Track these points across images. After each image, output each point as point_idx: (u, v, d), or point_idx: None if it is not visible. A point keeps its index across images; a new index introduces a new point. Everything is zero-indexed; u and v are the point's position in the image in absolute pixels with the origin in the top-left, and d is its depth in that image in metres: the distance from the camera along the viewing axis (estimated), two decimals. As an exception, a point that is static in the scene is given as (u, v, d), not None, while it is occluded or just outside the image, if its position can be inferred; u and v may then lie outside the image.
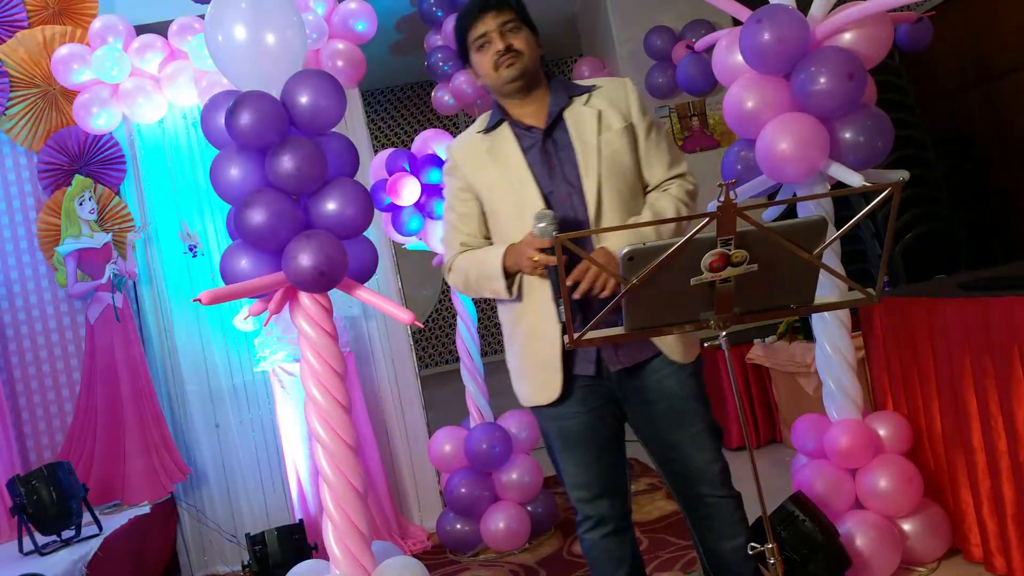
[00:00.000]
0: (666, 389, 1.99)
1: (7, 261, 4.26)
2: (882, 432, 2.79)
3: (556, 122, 1.99)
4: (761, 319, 1.64)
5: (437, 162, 3.57)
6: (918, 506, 2.72)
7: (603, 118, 1.98)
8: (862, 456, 2.75)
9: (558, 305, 1.80)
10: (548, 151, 1.98)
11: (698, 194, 2.05)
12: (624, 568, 2.12)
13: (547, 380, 1.98)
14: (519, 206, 1.96)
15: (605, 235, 1.91)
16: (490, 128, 2.04)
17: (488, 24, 1.94)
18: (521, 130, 2.01)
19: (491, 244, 2.06)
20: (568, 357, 1.97)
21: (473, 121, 2.07)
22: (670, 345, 1.97)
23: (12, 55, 4.12)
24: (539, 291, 1.95)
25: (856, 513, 2.73)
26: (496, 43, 1.94)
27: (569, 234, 1.48)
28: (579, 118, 1.98)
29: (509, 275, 1.94)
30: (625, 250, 1.47)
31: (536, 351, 1.99)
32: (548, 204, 1.93)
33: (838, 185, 2.73)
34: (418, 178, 3.55)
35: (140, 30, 4.13)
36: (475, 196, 2.05)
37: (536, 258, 1.83)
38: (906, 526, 2.72)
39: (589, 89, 2.03)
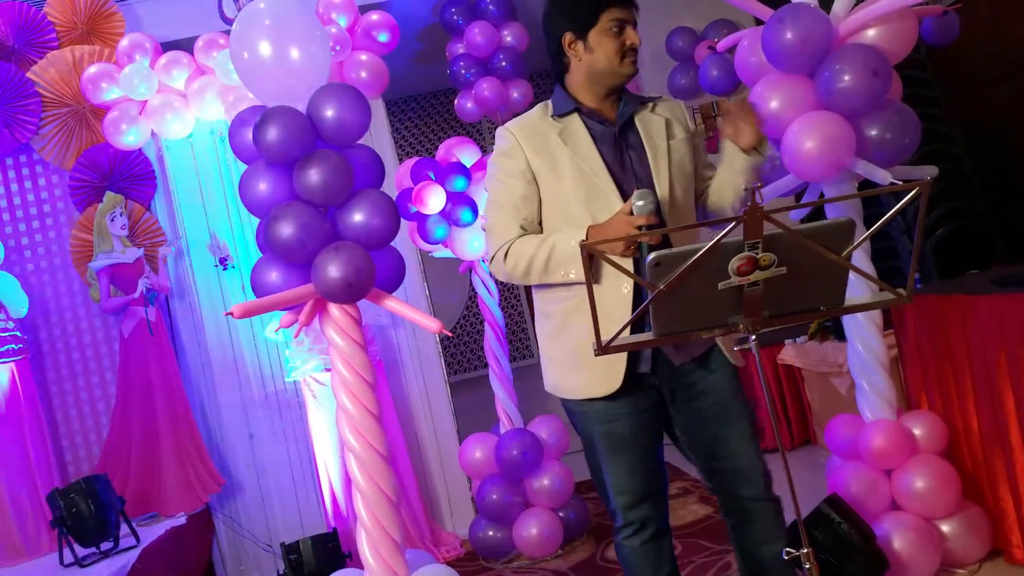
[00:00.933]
0: (715, 386, 2.01)
1: (42, 278, 4.35)
2: (917, 432, 2.75)
3: (628, 124, 2.04)
4: (791, 322, 1.63)
5: (461, 170, 3.59)
6: (957, 507, 2.68)
7: (670, 126, 2.06)
8: (897, 456, 2.71)
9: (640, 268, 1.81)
10: (620, 147, 2.02)
11: None
12: (663, 574, 2.10)
13: (611, 371, 1.96)
14: (591, 193, 1.96)
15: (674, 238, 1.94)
16: (563, 114, 2.04)
17: (628, 15, 1.98)
18: (594, 122, 2.03)
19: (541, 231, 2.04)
20: (632, 353, 1.97)
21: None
22: (727, 344, 2.02)
23: (43, 76, 4.21)
24: (611, 278, 1.91)
25: (893, 515, 2.70)
26: (632, 37, 1.98)
27: (596, 241, 1.47)
28: (648, 123, 2.05)
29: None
30: (651, 256, 1.47)
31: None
32: (622, 198, 1.95)
33: (865, 183, 2.71)
34: (443, 186, 3.57)
35: (166, 47, 4.21)
36: (534, 179, 2.02)
37: (634, 234, 1.79)
38: (945, 527, 2.68)
39: (655, 99, 2.11)
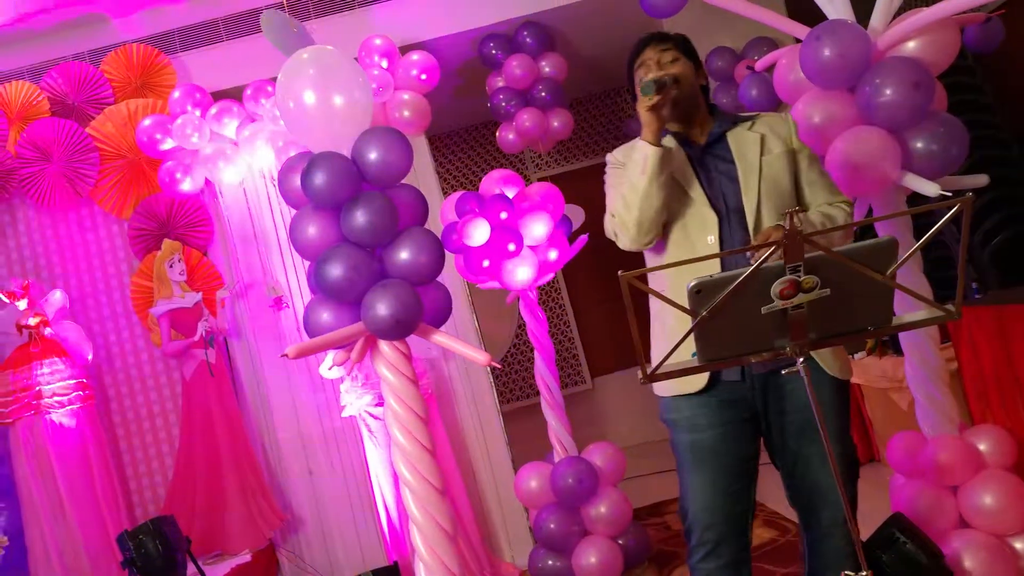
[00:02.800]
0: (805, 398, 1.95)
1: (105, 325, 4.51)
2: (982, 447, 2.67)
3: (717, 141, 2.10)
4: (838, 343, 1.62)
5: (504, 202, 3.63)
6: (1029, 523, 2.59)
7: (765, 142, 2.08)
8: (963, 472, 2.64)
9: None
10: (708, 165, 2.08)
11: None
12: None
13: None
14: (684, 205, 2.04)
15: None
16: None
17: (648, 54, 2.12)
18: (686, 145, 2.12)
19: None
20: None
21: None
22: (822, 354, 1.99)
23: (101, 130, 4.40)
24: (695, 232, 2.00)
25: (962, 532, 2.62)
26: (652, 69, 2.08)
27: (633, 272, 1.49)
28: (741, 139, 2.09)
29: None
30: (692, 283, 1.48)
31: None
32: (713, 210, 2.02)
33: (915, 195, 2.66)
34: (487, 219, 3.61)
35: (217, 96, 4.36)
36: None
37: (643, 99, 1.95)
38: (1018, 544, 2.59)
39: (753, 118, 2.14)
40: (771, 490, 2.12)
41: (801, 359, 1.55)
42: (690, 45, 2.18)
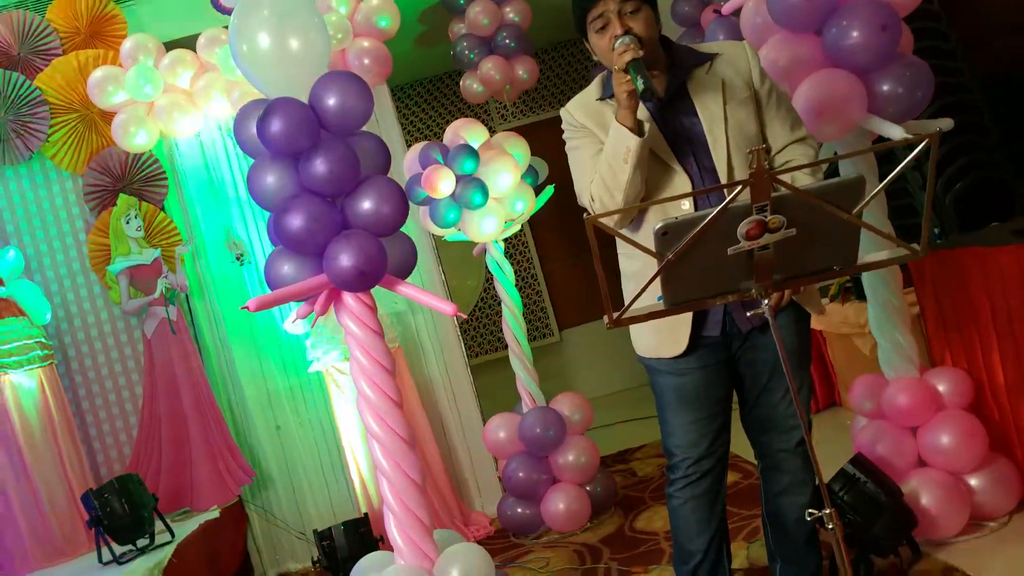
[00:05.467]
0: (782, 338, 1.99)
1: (63, 284, 4.40)
2: (941, 388, 2.73)
3: (679, 92, 1.98)
4: (803, 283, 1.61)
5: (470, 152, 3.57)
6: (984, 460, 2.66)
7: (727, 87, 1.96)
8: (922, 414, 2.69)
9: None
10: (670, 121, 1.98)
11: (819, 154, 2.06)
12: (707, 533, 2.12)
13: (676, 335, 1.99)
14: (655, 167, 1.96)
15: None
16: (610, 95, 1.99)
17: (608, 4, 1.91)
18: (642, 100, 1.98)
19: None
20: (698, 316, 1.99)
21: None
22: (808, 296, 2.00)
23: (50, 83, 4.23)
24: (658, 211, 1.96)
25: (920, 471, 2.68)
26: (615, 26, 1.90)
27: (600, 215, 1.46)
28: (702, 89, 1.96)
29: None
30: (659, 225, 1.46)
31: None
32: (682, 167, 1.95)
33: (879, 139, 2.66)
34: (452, 169, 3.56)
35: (169, 46, 4.21)
36: (599, 141, 2.02)
37: (624, 82, 1.82)
38: (973, 481, 2.66)
39: (711, 57, 2.00)
40: (735, 433, 2.16)
41: (766, 300, 1.55)
42: None
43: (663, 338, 2.03)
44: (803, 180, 1.87)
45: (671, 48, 2.03)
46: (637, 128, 1.85)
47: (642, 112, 1.92)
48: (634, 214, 1.99)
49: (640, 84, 1.77)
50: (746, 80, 1.98)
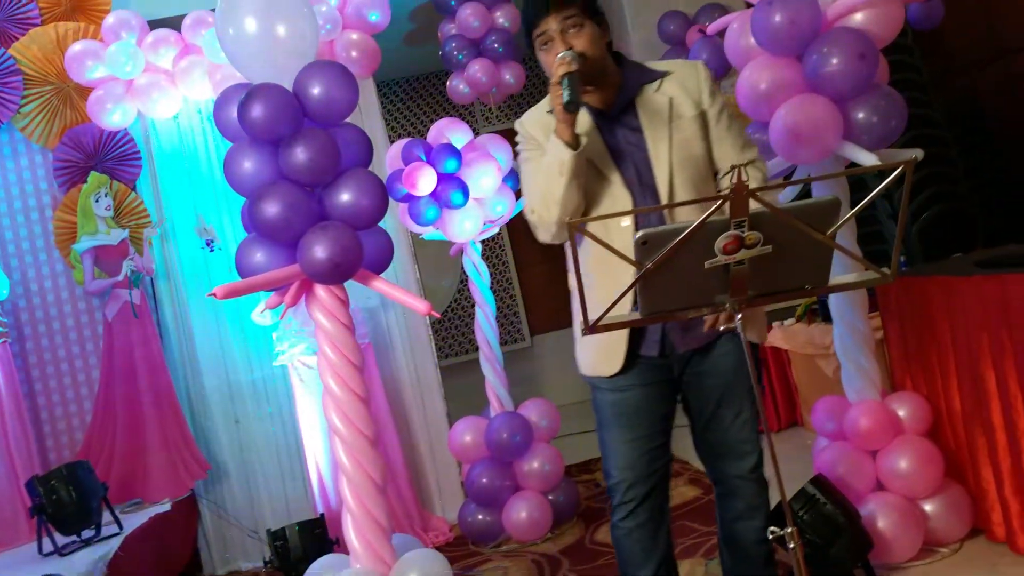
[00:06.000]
0: (723, 366, 2.01)
1: (24, 259, 4.30)
2: (901, 413, 2.77)
3: (627, 108, 1.98)
4: (776, 301, 1.64)
5: (452, 151, 3.57)
6: (939, 486, 2.71)
7: (674, 105, 1.96)
8: (882, 437, 2.74)
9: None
10: (618, 138, 1.97)
11: (768, 178, 2.06)
12: (653, 561, 2.10)
13: (612, 353, 1.98)
14: (594, 178, 1.95)
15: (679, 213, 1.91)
16: None
17: (550, 23, 1.91)
18: (592, 113, 1.99)
19: None
20: (635, 335, 1.98)
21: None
22: (750, 321, 1.98)
23: (25, 53, 4.15)
24: (614, 267, 1.87)
25: (878, 495, 2.73)
26: (558, 44, 1.90)
27: (580, 219, 1.47)
28: (650, 106, 1.96)
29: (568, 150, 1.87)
30: (639, 234, 1.47)
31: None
32: (624, 184, 1.94)
33: (852, 165, 2.71)
34: (434, 167, 3.55)
35: (154, 25, 4.15)
36: None
37: (555, 80, 1.80)
38: (928, 507, 2.71)
39: (661, 75, 2.00)
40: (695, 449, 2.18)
41: (739, 315, 1.57)
42: (594, 3, 1.97)
43: (600, 356, 2.02)
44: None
45: (623, 64, 2.03)
46: (574, 141, 1.85)
47: (584, 126, 1.93)
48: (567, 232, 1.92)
49: (566, 95, 1.78)
50: (695, 100, 1.98)
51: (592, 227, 1.93)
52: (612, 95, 1.99)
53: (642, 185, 1.95)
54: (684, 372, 2.05)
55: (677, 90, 1.97)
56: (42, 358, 4.29)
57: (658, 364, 2.02)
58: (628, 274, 1.54)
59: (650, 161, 1.94)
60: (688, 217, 1.81)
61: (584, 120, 1.96)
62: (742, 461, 2.05)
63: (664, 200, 1.91)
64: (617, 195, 1.95)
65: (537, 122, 2.03)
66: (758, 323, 2.08)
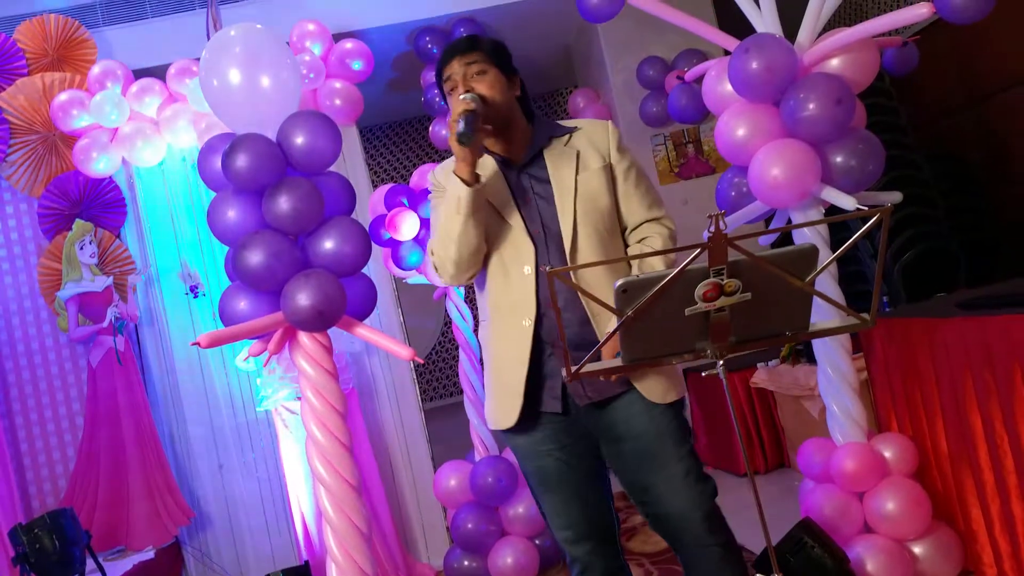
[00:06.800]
0: (636, 428, 1.93)
1: (8, 307, 4.28)
2: (888, 454, 2.77)
3: (535, 160, 2.00)
4: (756, 347, 1.64)
5: (434, 197, 3.59)
6: (928, 528, 2.70)
7: (581, 158, 1.99)
8: (869, 479, 2.73)
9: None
10: (524, 187, 1.99)
11: (676, 235, 2.05)
12: None
13: (508, 407, 1.95)
14: (499, 229, 1.95)
15: (587, 271, 1.92)
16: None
17: (453, 68, 1.96)
18: (499, 163, 2.01)
19: None
20: (532, 387, 1.94)
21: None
22: (645, 383, 1.92)
23: (12, 102, 4.17)
24: (507, 314, 1.94)
25: (865, 537, 2.71)
26: (459, 87, 1.94)
27: (561, 268, 1.48)
28: (558, 158, 1.99)
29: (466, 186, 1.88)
30: (619, 282, 1.48)
31: (501, 372, 1.97)
32: (528, 234, 1.95)
33: (831, 209, 2.75)
34: (417, 212, 3.57)
35: (138, 74, 4.20)
36: None
37: (453, 118, 1.83)
38: (917, 549, 2.70)
39: (571, 130, 2.03)
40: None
41: (720, 362, 1.57)
42: (502, 52, 2.01)
43: (499, 408, 1.98)
44: (658, 265, 1.93)
45: (534, 121, 2.07)
46: (471, 179, 1.87)
47: (487, 169, 1.97)
48: (476, 267, 1.96)
49: (460, 126, 1.81)
50: (602, 154, 2.00)
51: (492, 271, 1.97)
52: (521, 147, 2.01)
53: (546, 233, 1.95)
54: (598, 431, 1.98)
55: (585, 144, 2.01)
56: (26, 404, 4.25)
57: (566, 422, 1.97)
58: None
59: (555, 210, 1.95)
60: (592, 270, 1.89)
61: (488, 164, 1.99)
62: (692, 531, 1.91)
63: (567, 249, 1.92)
64: (519, 242, 1.95)
65: (447, 170, 2.03)
66: (660, 383, 1.94)
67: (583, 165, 1.98)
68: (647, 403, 1.93)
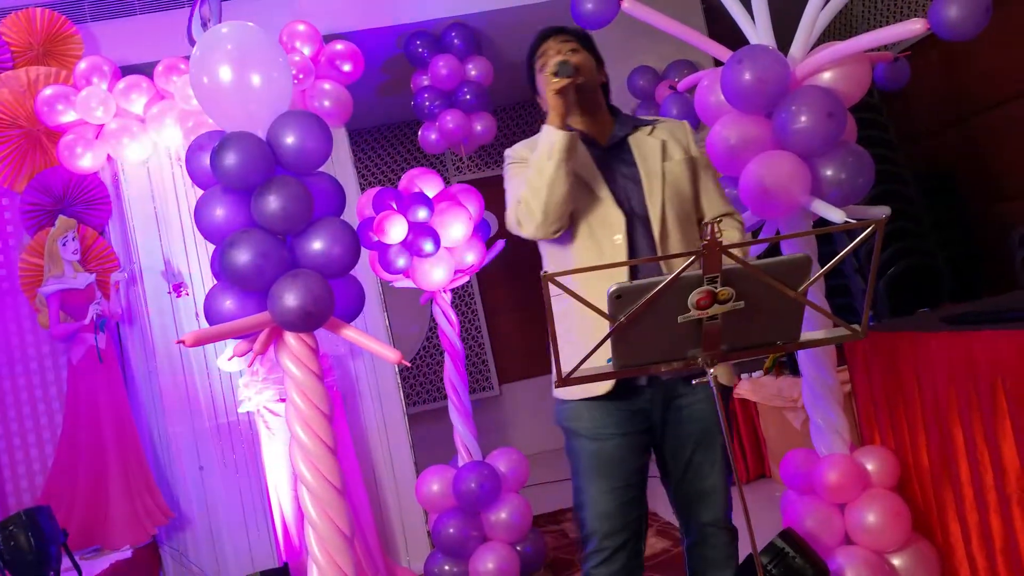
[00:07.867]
0: (702, 412, 2.04)
1: (-12, 302, 4.23)
2: (870, 467, 2.78)
3: (619, 144, 2.08)
4: (748, 355, 1.65)
5: (424, 200, 3.58)
6: (907, 541, 2.71)
7: (666, 148, 2.08)
8: (850, 491, 2.74)
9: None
10: (610, 166, 2.06)
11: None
12: None
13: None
14: (590, 204, 2.00)
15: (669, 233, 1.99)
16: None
17: (549, 44, 2.09)
18: (586, 141, 2.08)
19: None
20: None
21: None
22: (719, 366, 1.98)
23: (-4, 96, 4.12)
24: (597, 283, 1.83)
25: (846, 549, 2.72)
26: (552, 55, 2.05)
27: (557, 272, 1.47)
28: (643, 145, 2.08)
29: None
30: (613, 288, 1.48)
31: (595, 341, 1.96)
32: (620, 208, 2.00)
33: (821, 221, 2.76)
34: (405, 216, 3.55)
35: (126, 71, 4.16)
36: None
37: (553, 81, 1.90)
38: (896, 561, 2.71)
39: (652, 122, 2.13)
40: (666, 500, 2.17)
41: (711, 370, 1.57)
42: (591, 42, 2.15)
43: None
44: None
45: (616, 113, 2.16)
46: (563, 125, 1.94)
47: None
48: (563, 220, 1.97)
49: (558, 66, 1.89)
50: (683, 146, 2.11)
51: (580, 237, 1.99)
52: (605, 131, 2.10)
53: (634, 212, 2.02)
54: (665, 419, 2.06)
55: (668, 135, 2.11)
56: (4, 401, 4.20)
57: (639, 406, 2.02)
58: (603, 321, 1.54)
59: (643, 193, 2.02)
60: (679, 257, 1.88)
61: (581, 150, 2.04)
62: (715, 509, 2.07)
63: (656, 232, 1.98)
64: (609, 212, 2.01)
65: (525, 146, 2.13)
66: (730, 365, 2.11)
67: (668, 155, 2.07)
68: (709, 392, 2.01)
